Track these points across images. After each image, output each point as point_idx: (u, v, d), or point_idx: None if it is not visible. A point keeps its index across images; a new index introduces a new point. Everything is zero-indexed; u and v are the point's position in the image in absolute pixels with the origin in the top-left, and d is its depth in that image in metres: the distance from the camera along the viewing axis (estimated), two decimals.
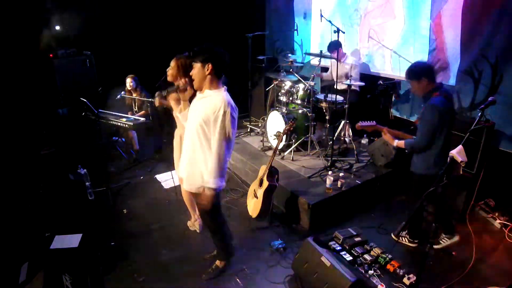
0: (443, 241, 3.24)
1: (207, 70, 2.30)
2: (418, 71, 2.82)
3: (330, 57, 4.64)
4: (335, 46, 4.51)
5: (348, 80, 4.32)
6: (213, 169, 2.38)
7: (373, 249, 3.15)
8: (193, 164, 2.48)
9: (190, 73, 2.44)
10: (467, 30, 3.93)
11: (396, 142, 3.00)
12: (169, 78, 3.04)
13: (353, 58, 4.94)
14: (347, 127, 4.63)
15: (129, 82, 5.04)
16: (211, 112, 2.31)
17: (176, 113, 3.08)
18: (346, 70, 4.64)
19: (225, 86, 2.45)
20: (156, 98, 3.11)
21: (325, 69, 5.46)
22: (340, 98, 4.38)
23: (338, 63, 4.18)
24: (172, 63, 3.01)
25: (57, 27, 5.06)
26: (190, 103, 2.67)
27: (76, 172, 4.17)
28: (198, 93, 2.50)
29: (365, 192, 3.97)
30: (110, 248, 3.29)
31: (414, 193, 2.95)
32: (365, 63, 5.13)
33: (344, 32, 4.12)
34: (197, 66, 2.33)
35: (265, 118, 4.95)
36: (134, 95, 5.08)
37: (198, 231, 3.50)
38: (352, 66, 4.65)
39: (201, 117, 2.36)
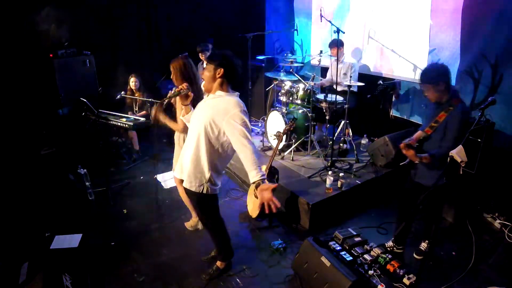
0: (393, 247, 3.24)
1: (218, 73, 2.37)
2: (435, 75, 2.58)
3: (330, 56, 4.64)
4: (335, 44, 4.51)
5: (348, 81, 4.32)
6: (252, 161, 2.23)
7: (373, 249, 3.15)
8: (196, 163, 2.47)
9: (201, 73, 2.49)
10: (467, 30, 3.93)
11: (420, 157, 2.61)
12: (176, 84, 3.02)
13: (353, 59, 4.94)
14: (347, 127, 4.63)
15: (133, 81, 5.03)
16: (224, 111, 2.30)
17: (179, 117, 3.06)
18: (344, 70, 4.64)
19: (237, 92, 2.47)
20: (154, 108, 3.12)
21: (326, 69, 5.46)
22: (340, 98, 4.39)
23: (338, 62, 4.16)
24: (171, 68, 3.01)
25: (57, 27, 5.05)
26: (193, 107, 2.67)
27: (76, 172, 4.18)
28: (207, 95, 2.51)
29: (365, 192, 3.97)
30: (110, 248, 3.29)
31: (435, 203, 2.86)
32: (364, 64, 5.13)
33: (344, 32, 4.12)
34: (210, 67, 2.40)
35: (265, 118, 4.95)
36: (136, 95, 5.08)
37: (200, 228, 3.49)
38: (349, 66, 4.65)
39: (210, 116, 2.35)
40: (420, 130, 2.87)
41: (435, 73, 2.60)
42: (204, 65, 5.49)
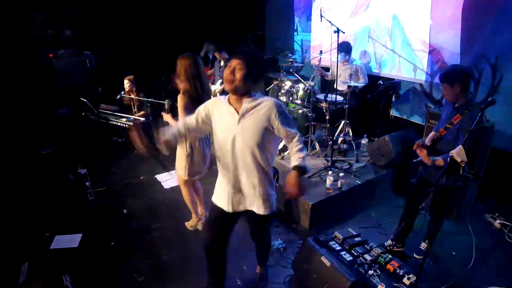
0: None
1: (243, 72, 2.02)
2: (452, 76, 2.64)
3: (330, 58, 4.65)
4: (344, 49, 4.52)
5: (349, 81, 4.32)
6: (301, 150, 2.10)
7: (373, 249, 3.15)
8: (259, 185, 2.22)
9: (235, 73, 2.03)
10: (467, 30, 3.93)
11: (433, 160, 2.61)
12: (179, 80, 2.99)
13: (359, 61, 4.93)
14: (347, 127, 4.63)
15: (126, 83, 5.04)
16: (267, 113, 2.06)
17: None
18: (349, 72, 4.64)
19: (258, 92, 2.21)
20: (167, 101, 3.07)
21: (326, 69, 5.45)
22: (340, 98, 4.38)
23: (341, 65, 4.15)
24: (177, 64, 2.99)
25: (57, 27, 5.06)
26: (194, 107, 2.39)
27: (76, 172, 4.18)
28: (233, 103, 2.13)
29: (365, 192, 3.97)
30: (110, 248, 3.30)
31: (439, 203, 2.90)
32: (367, 64, 5.13)
33: (344, 32, 4.12)
34: (241, 65, 2.02)
35: None
36: (132, 96, 5.09)
37: (200, 228, 3.49)
38: (359, 69, 4.64)
39: (261, 127, 2.07)
40: (434, 130, 2.87)
41: (452, 74, 2.65)
42: (222, 64, 5.48)
